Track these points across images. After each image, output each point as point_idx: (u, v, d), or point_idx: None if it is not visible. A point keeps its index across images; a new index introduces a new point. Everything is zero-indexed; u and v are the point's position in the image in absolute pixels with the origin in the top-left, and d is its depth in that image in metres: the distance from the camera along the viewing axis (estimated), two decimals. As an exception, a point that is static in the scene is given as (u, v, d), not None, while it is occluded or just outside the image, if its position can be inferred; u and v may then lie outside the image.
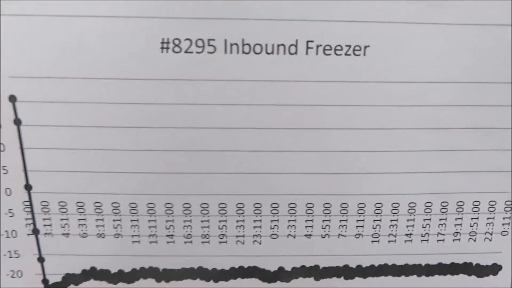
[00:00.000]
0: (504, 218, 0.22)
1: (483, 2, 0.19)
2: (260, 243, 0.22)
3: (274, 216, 0.22)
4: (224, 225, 0.22)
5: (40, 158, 0.20)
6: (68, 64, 0.19)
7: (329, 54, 0.19)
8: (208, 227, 0.22)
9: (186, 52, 0.19)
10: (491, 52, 0.19)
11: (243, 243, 0.22)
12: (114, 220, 0.21)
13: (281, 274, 0.23)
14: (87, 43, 0.19)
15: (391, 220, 0.22)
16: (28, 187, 0.21)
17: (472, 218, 0.22)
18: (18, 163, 0.20)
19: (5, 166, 0.20)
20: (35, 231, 0.21)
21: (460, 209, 0.22)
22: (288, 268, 0.23)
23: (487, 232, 0.22)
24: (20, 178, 0.21)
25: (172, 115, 0.20)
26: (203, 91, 0.19)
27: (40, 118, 0.20)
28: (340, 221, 0.22)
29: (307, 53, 0.19)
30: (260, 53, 0.19)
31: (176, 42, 0.19)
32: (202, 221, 0.22)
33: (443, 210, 0.22)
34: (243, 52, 0.19)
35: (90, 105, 0.20)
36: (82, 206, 0.21)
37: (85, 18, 0.18)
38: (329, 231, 0.22)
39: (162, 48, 0.19)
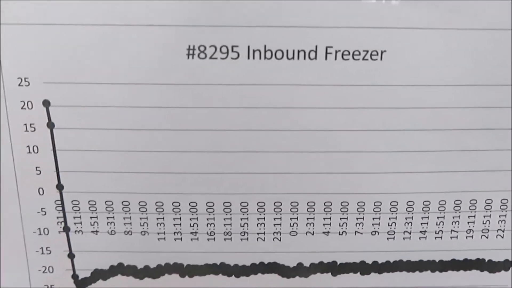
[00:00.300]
0: (515, 215, 0.23)
1: (500, 6, 0.19)
2: (280, 240, 0.23)
3: (293, 214, 0.22)
4: (245, 223, 0.23)
5: (71, 160, 0.21)
6: (97, 70, 0.20)
7: (347, 59, 0.20)
8: (230, 224, 0.23)
9: (211, 58, 0.20)
10: (500, 57, 0.20)
11: (263, 240, 0.23)
12: (140, 218, 0.22)
13: (300, 270, 0.23)
14: (117, 51, 0.20)
15: (406, 218, 0.23)
16: (59, 187, 0.22)
17: (484, 216, 0.23)
18: (51, 164, 0.21)
19: (39, 167, 0.21)
20: (66, 229, 0.23)
21: (473, 207, 0.23)
22: (306, 264, 0.23)
23: (499, 229, 0.23)
24: (53, 178, 0.22)
25: (198, 118, 0.21)
26: (227, 95, 0.20)
27: (72, 122, 0.21)
28: (357, 218, 0.23)
29: (326, 58, 0.20)
30: (281, 58, 0.20)
31: (202, 48, 0.20)
32: (224, 219, 0.22)
33: (456, 208, 0.23)
34: (265, 57, 0.20)
35: (119, 109, 0.20)
36: (110, 205, 0.22)
37: (115, 27, 0.19)
38: (346, 228, 0.23)
39: (188, 54, 0.20)
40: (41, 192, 0.22)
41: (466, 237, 0.23)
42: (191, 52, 0.20)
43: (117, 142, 0.21)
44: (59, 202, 0.22)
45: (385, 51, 0.20)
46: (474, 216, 0.23)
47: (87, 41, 0.19)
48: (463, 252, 0.23)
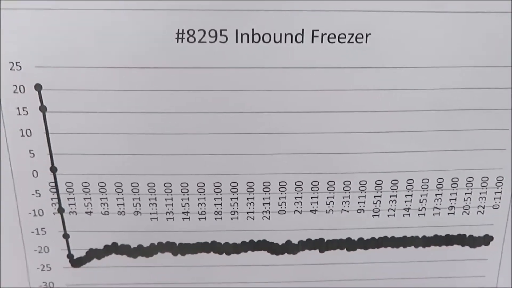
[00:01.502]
0: (495, 192, 0.24)
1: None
2: (269, 219, 0.24)
3: (281, 193, 0.23)
4: (235, 202, 0.23)
5: (64, 142, 0.22)
6: (88, 54, 0.20)
7: (333, 42, 0.20)
8: (220, 204, 0.23)
9: (200, 42, 0.20)
10: (489, 39, 0.21)
11: (253, 219, 0.24)
12: (133, 199, 0.23)
13: (289, 247, 0.24)
14: (106, 35, 0.20)
15: (391, 196, 0.23)
16: (53, 169, 0.22)
17: (466, 193, 0.24)
18: (44, 147, 0.22)
19: (32, 150, 0.22)
20: (60, 210, 0.23)
21: (455, 185, 0.23)
22: (295, 241, 0.24)
23: (479, 206, 0.24)
24: (46, 161, 0.22)
25: (187, 100, 0.21)
26: (216, 79, 0.21)
27: (64, 105, 0.21)
28: (343, 197, 0.23)
29: (312, 42, 0.20)
30: (269, 42, 0.20)
31: (191, 32, 0.20)
32: (215, 199, 0.23)
33: (438, 186, 0.23)
34: (253, 41, 0.20)
35: (110, 92, 0.21)
36: (103, 186, 0.23)
37: (105, 11, 0.19)
38: (333, 207, 0.24)
39: (178, 38, 0.20)
40: (35, 175, 0.22)
41: (448, 213, 0.24)
42: (180, 36, 0.20)
43: (109, 124, 0.21)
44: (53, 184, 0.22)
45: (370, 34, 0.20)
46: (456, 194, 0.24)
47: (78, 25, 0.20)
48: (445, 228, 0.24)
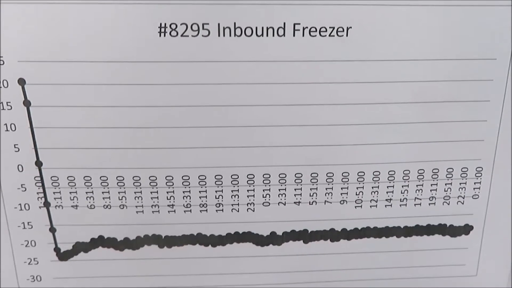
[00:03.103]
0: (475, 183, 0.24)
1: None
2: (253, 211, 0.24)
3: (266, 185, 0.23)
4: (220, 195, 0.24)
5: (49, 137, 0.22)
6: (72, 48, 0.20)
7: (315, 36, 0.21)
8: (205, 197, 0.24)
9: (182, 35, 0.20)
10: (470, 31, 0.21)
11: (238, 211, 0.24)
12: (119, 192, 0.23)
13: (273, 238, 0.25)
14: (88, 28, 0.20)
15: (373, 187, 0.24)
16: (38, 163, 0.22)
17: (446, 184, 0.24)
18: (29, 142, 0.22)
19: (17, 144, 0.22)
20: (47, 204, 0.23)
21: (435, 176, 0.24)
22: (279, 232, 0.25)
23: (459, 196, 0.24)
24: (31, 155, 0.22)
25: (170, 94, 0.21)
26: (199, 72, 0.21)
27: (48, 99, 0.21)
28: (326, 189, 0.24)
29: (294, 35, 0.21)
30: (250, 35, 0.20)
31: (173, 26, 0.20)
32: (200, 191, 0.23)
33: (419, 177, 0.24)
34: (235, 35, 0.20)
35: (94, 87, 0.21)
36: (89, 180, 0.23)
37: (88, 5, 0.20)
38: (316, 198, 0.24)
39: (160, 32, 0.20)
40: (20, 169, 0.22)
41: (429, 204, 0.24)
42: (162, 30, 0.20)
43: (93, 118, 0.22)
44: (39, 179, 0.23)
45: (350, 27, 0.21)
46: (437, 184, 0.24)
47: (61, 19, 0.20)
48: (426, 218, 0.25)
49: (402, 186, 0.24)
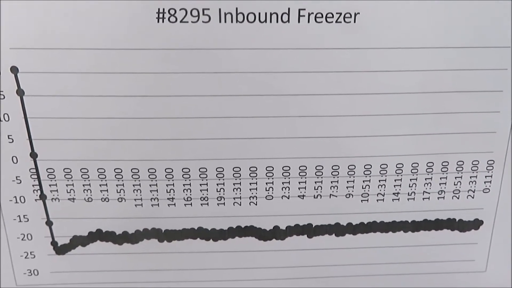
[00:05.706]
0: (486, 176, 0.23)
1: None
2: (256, 204, 0.23)
3: (269, 178, 0.23)
4: (222, 188, 0.23)
5: (44, 127, 0.21)
6: (67, 35, 0.19)
7: (321, 22, 0.20)
8: (206, 190, 0.23)
9: (181, 21, 0.19)
10: (483, 18, 0.20)
11: (240, 205, 0.23)
12: (117, 185, 0.22)
13: (276, 233, 0.24)
14: (85, 14, 0.19)
15: (380, 181, 0.23)
16: (33, 155, 0.22)
17: (456, 177, 0.23)
18: (23, 132, 0.21)
19: (11, 135, 0.21)
20: (42, 197, 0.23)
21: (445, 169, 0.23)
22: (282, 227, 0.24)
23: (470, 190, 0.24)
24: (26, 146, 0.21)
25: (169, 83, 0.20)
26: (199, 60, 0.20)
27: (42, 89, 0.20)
28: (332, 182, 0.23)
29: (299, 21, 0.20)
30: (253, 21, 0.20)
31: (172, 12, 0.19)
32: (201, 184, 0.23)
33: (428, 170, 0.23)
34: (237, 21, 0.20)
35: (90, 75, 0.20)
36: (86, 172, 0.22)
37: (82, -10, 0.19)
38: (321, 192, 0.23)
39: (158, 18, 0.19)
40: (15, 161, 0.22)
41: (438, 198, 0.24)
42: (161, 16, 0.19)
43: (90, 108, 0.21)
44: (34, 171, 0.22)
45: (358, 13, 0.20)
46: (446, 178, 0.23)
47: (55, 5, 0.19)
48: (435, 213, 0.24)
49: (410, 180, 0.23)
